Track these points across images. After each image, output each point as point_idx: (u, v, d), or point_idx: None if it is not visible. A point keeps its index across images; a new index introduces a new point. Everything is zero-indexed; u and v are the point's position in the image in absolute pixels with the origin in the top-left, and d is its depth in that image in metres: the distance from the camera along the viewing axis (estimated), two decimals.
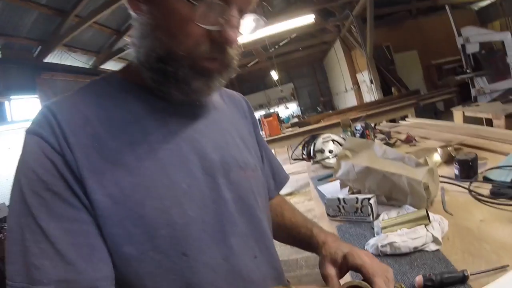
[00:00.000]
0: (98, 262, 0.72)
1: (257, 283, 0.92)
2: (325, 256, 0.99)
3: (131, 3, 0.80)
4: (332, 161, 3.21)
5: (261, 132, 7.68)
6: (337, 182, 2.27)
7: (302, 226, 1.18)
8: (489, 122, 4.70)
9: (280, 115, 10.45)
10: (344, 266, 0.93)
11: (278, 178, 1.30)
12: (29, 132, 0.76)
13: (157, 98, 0.88)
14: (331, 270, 0.94)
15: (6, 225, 0.74)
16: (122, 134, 0.80)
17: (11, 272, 0.68)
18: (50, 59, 7.49)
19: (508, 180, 1.69)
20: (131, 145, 0.80)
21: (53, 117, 0.76)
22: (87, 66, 8.76)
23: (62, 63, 7.78)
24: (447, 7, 5.93)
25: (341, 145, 3.30)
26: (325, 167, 3.26)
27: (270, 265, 1.01)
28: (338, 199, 1.83)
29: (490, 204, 1.56)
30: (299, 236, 1.16)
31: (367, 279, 0.84)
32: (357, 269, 0.89)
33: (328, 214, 1.89)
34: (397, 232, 1.41)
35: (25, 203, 0.69)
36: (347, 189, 2.14)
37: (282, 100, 19.38)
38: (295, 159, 4.01)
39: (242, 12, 0.81)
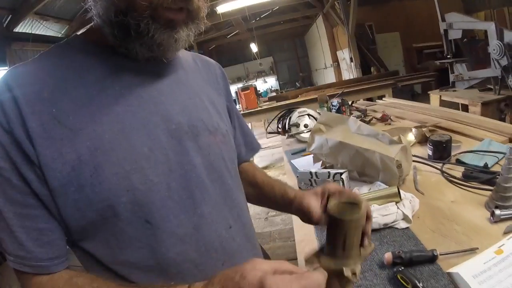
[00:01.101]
0: (44, 244, 0.74)
1: (232, 254, 0.90)
2: (302, 195, 1.01)
3: None
4: (306, 135, 3.19)
5: (237, 105, 7.65)
6: (311, 157, 2.25)
7: (275, 183, 1.18)
8: (465, 108, 4.76)
9: (258, 89, 10.38)
10: (326, 193, 0.95)
11: (250, 145, 1.26)
12: None
13: (119, 57, 0.82)
14: (313, 201, 0.96)
15: None
16: (81, 96, 0.75)
17: None
18: (21, 28, 7.14)
19: (481, 164, 1.70)
20: (89, 107, 0.75)
21: (7, 90, 0.71)
22: (59, 35, 8.39)
23: (33, 32, 7.47)
24: None
25: (316, 120, 3.28)
26: (300, 141, 3.26)
27: (245, 235, 0.98)
28: (310, 173, 1.81)
29: (462, 187, 1.57)
30: (272, 192, 1.15)
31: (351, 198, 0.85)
32: (338, 192, 0.90)
33: (300, 188, 1.88)
34: None
35: None
36: (320, 163, 2.11)
37: (261, 74, 19.29)
38: (270, 133, 3.99)
39: None
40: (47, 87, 0.73)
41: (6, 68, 6.71)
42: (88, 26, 0.87)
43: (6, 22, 6.82)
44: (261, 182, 1.20)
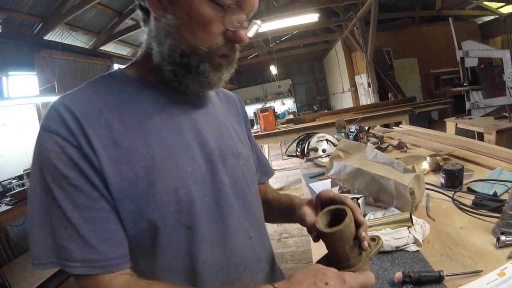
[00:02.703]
0: (114, 244, 0.84)
1: (252, 261, 1.05)
2: (302, 204, 1.14)
3: (154, 8, 0.90)
4: (324, 160, 3.29)
5: (255, 126, 7.74)
6: (328, 181, 2.35)
7: (282, 196, 1.34)
8: (481, 136, 4.80)
9: (276, 110, 10.47)
10: (318, 202, 1.08)
11: (264, 170, 1.40)
12: (46, 130, 0.83)
13: (160, 91, 0.98)
14: (307, 209, 1.10)
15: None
16: (134, 124, 0.90)
17: (36, 252, 0.82)
18: (50, 37, 7.32)
19: (491, 193, 1.78)
20: (141, 133, 0.90)
21: (68, 112, 0.84)
22: (86, 46, 8.63)
23: (62, 41, 7.64)
24: (450, 20, 5.95)
25: (334, 145, 3.38)
26: (318, 165, 3.36)
27: (263, 246, 1.13)
28: None
29: (471, 214, 1.65)
30: (280, 204, 1.30)
31: (340, 204, 0.97)
32: (329, 199, 1.03)
33: None
34: (382, 231, 1.51)
35: (52, 195, 0.81)
36: (337, 188, 2.21)
37: (279, 96, 19.39)
38: (288, 155, 4.09)
39: (248, 16, 0.93)
40: (103, 115, 0.88)
41: (34, 73, 6.88)
42: (130, 63, 1.04)
43: (37, 29, 7.00)
44: (271, 199, 1.34)
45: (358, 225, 0.92)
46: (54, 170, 0.81)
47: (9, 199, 4.83)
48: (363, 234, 0.91)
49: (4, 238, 4.77)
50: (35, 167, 0.84)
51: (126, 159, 0.86)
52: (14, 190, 5.13)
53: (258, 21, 0.99)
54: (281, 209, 1.28)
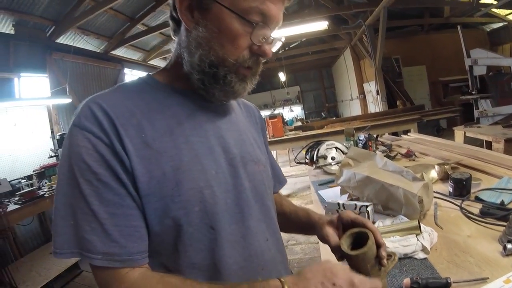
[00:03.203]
0: (136, 240, 0.88)
1: (268, 262, 1.08)
2: (323, 223, 1.20)
3: (187, 20, 0.96)
4: (334, 167, 3.33)
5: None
6: (338, 188, 2.39)
7: (299, 210, 1.39)
8: (489, 145, 4.80)
9: (284, 117, 10.50)
10: (340, 223, 1.15)
11: (278, 179, 1.45)
12: (78, 126, 0.88)
13: (190, 100, 1.04)
14: (329, 230, 1.16)
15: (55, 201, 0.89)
16: (163, 127, 0.95)
17: (59, 242, 0.85)
18: (62, 40, 7.41)
19: (498, 201, 1.80)
20: (170, 136, 0.95)
21: (102, 111, 0.89)
22: (98, 50, 8.78)
23: (74, 45, 7.70)
24: (458, 28, 5.96)
25: (343, 153, 3.40)
26: (326, 173, 3.38)
27: (278, 248, 1.17)
28: (338, 204, 1.94)
29: (479, 222, 1.67)
30: (297, 218, 1.35)
31: (361, 226, 1.06)
32: (351, 221, 1.10)
33: None
34: (390, 238, 1.53)
35: (79, 190, 0.84)
36: (346, 195, 2.25)
37: (287, 102, 19.39)
38: (298, 162, 4.11)
39: (272, 31, 0.99)
40: (135, 116, 0.93)
41: (46, 75, 6.99)
42: (159, 70, 1.10)
43: (49, 32, 7.08)
44: (288, 211, 1.39)
45: (378, 245, 1.00)
46: (84, 166, 0.84)
47: (17, 198, 4.86)
48: (383, 253, 0.99)
49: (11, 237, 4.81)
50: (64, 161, 0.88)
51: (156, 159, 0.90)
52: (23, 189, 5.19)
53: (282, 38, 1.05)
54: (298, 223, 1.34)
